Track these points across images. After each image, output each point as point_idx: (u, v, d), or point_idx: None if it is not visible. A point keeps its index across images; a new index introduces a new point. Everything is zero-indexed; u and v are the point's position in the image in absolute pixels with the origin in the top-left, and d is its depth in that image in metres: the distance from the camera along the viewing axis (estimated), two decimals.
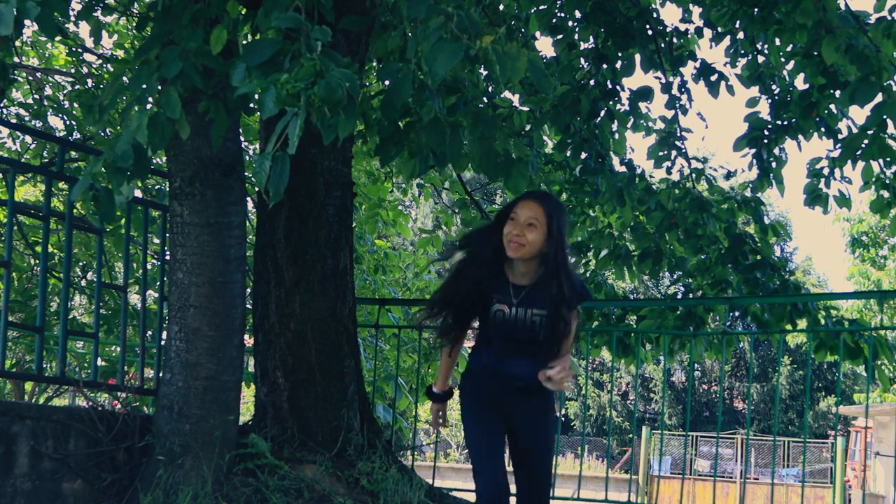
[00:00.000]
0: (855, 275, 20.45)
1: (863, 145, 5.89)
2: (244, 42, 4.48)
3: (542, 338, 3.60)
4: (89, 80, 8.07)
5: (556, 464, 7.18)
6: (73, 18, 6.84)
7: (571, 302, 3.60)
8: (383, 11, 4.56)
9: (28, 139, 8.44)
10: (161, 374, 4.70)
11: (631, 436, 27.19)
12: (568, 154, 7.24)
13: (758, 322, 6.47)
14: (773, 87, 6.97)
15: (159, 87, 3.77)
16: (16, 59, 7.64)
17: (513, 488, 3.65)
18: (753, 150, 6.92)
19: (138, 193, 6.18)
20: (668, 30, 6.98)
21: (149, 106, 3.75)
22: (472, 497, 3.73)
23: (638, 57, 6.74)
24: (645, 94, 7.00)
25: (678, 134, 7.41)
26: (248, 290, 5.38)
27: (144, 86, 3.73)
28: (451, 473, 18.45)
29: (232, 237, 4.59)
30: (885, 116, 5.58)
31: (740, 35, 6.84)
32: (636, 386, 7.30)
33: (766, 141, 6.86)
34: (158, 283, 5.45)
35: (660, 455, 21.22)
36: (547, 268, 3.57)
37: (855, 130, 6.21)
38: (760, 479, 23.36)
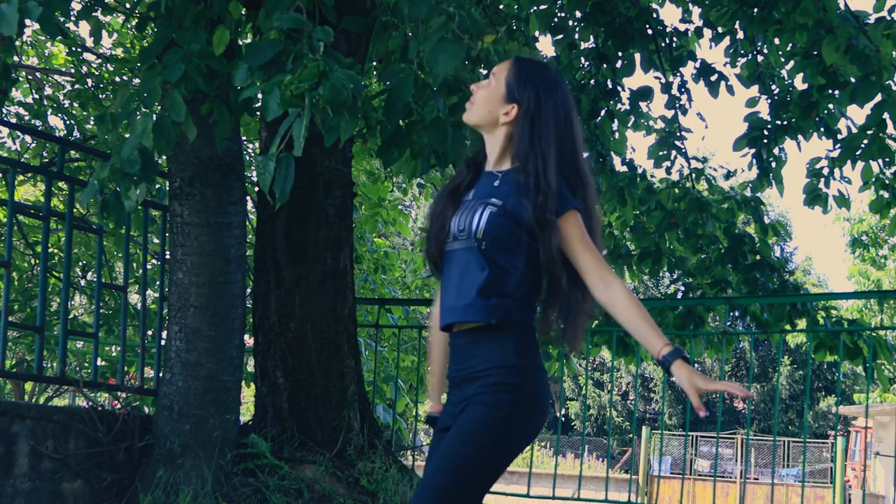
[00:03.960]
0: (855, 275, 20.47)
1: (862, 145, 5.90)
2: (243, 42, 4.48)
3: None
4: (89, 80, 8.06)
5: (557, 464, 7.19)
6: (73, 18, 6.83)
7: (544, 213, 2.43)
8: (384, 12, 4.56)
9: (28, 139, 8.43)
10: (161, 374, 4.70)
11: (631, 436, 27.17)
12: None
13: (758, 322, 6.47)
14: (773, 87, 6.98)
15: (161, 89, 3.77)
16: (16, 59, 7.63)
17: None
18: (753, 150, 6.93)
19: None
20: (668, 30, 6.99)
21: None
22: None
23: (638, 57, 6.75)
24: (645, 93, 7.01)
25: (678, 134, 7.42)
26: (248, 290, 5.38)
27: (148, 92, 3.73)
28: None
29: (232, 237, 4.59)
30: (884, 116, 5.59)
31: (740, 35, 6.85)
32: (636, 386, 7.28)
33: (765, 141, 6.86)
34: (158, 283, 5.45)
35: (660, 455, 21.21)
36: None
37: (854, 130, 6.22)
38: (760, 479, 23.33)
